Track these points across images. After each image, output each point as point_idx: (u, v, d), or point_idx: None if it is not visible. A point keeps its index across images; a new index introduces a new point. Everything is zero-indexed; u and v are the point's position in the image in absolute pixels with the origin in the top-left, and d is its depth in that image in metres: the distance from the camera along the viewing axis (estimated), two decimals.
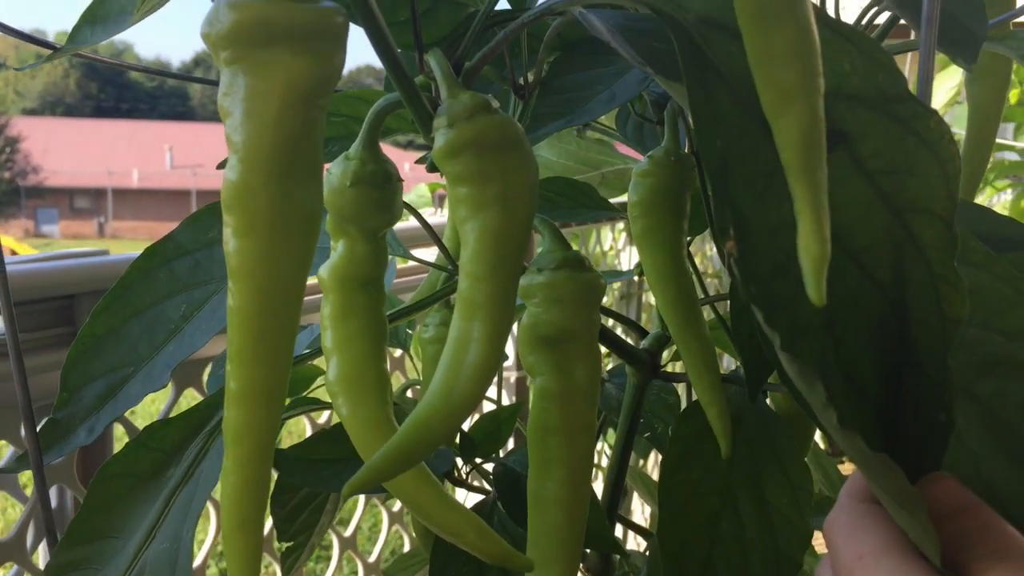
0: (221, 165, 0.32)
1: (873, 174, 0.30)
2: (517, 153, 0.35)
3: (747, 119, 0.28)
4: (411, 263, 0.81)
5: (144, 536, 0.40)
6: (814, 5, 0.28)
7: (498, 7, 0.48)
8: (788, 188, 0.26)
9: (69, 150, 29.73)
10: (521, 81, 0.49)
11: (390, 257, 0.73)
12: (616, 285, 1.77)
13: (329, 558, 1.08)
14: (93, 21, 0.55)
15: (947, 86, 1.10)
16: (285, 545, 0.72)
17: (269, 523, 0.81)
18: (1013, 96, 1.37)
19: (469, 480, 0.65)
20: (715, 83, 0.28)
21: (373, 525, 2.61)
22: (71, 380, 0.46)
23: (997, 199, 1.68)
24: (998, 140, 1.56)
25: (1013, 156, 1.55)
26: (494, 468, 0.57)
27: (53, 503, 0.74)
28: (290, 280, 0.30)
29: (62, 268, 0.70)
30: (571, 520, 0.42)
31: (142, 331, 0.47)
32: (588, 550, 0.63)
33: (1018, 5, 0.60)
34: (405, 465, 0.32)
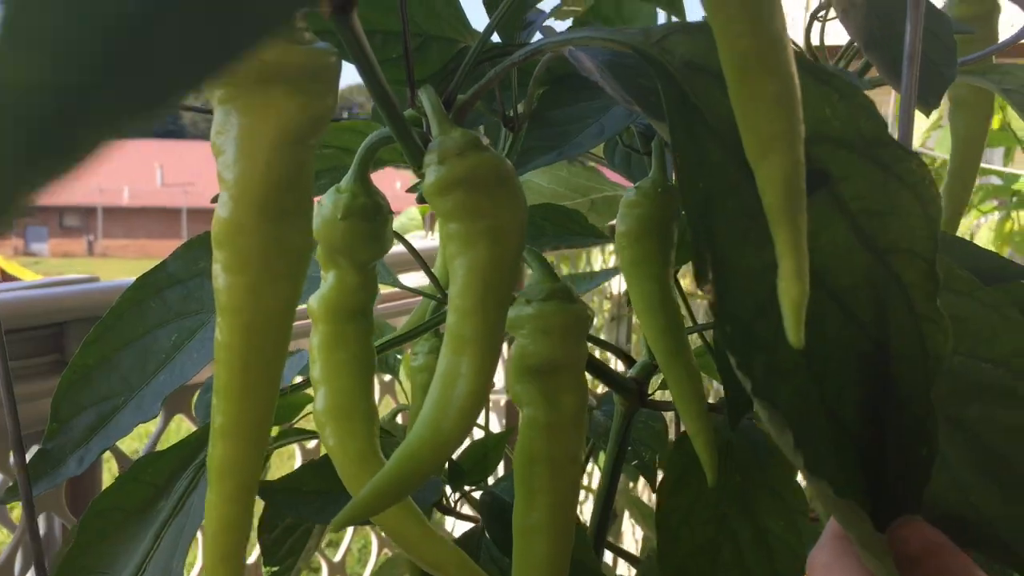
0: (215, 200, 0.32)
1: (856, 215, 0.30)
2: (507, 190, 0.35)
3: (731, 163, 0.29)
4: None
5: (135, 571, 0.40)
6: (797, 52, 0.28)
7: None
8: (770, 232, 0.26)
9: None
10: (511, 114, 0.49)
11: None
12: (606, 307, 1.77)
13: None
14: None
15: None
16: (271, 569, 0.72)
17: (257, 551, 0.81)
18: (996, 122, 1.38)
19: (458, 508, 0.65)
20: (699, 127, 0.29)
21: (363, 547, 2.59)
22: (61, 411, 0.46)
23: (983, 221, 1.70)
24: (983, 164, 1.58)
25: (998, 180, 1.56)
26: (481, 496, 0.57)
27: (41, 531, 0.74)
28: (277, 317, 0.30)
29: (52, 296, 0.70)
30: (556, 550, 0.42)
31: (134, 361, 0.47)
32: None
33: (1000, 39, 0.61)
34: (394, 499, 0.33)
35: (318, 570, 1.09)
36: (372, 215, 0.40)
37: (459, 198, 0.34)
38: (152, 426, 0.86)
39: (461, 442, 0.35)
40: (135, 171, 29.91)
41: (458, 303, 0.35)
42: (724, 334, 0.27)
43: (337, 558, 1.08)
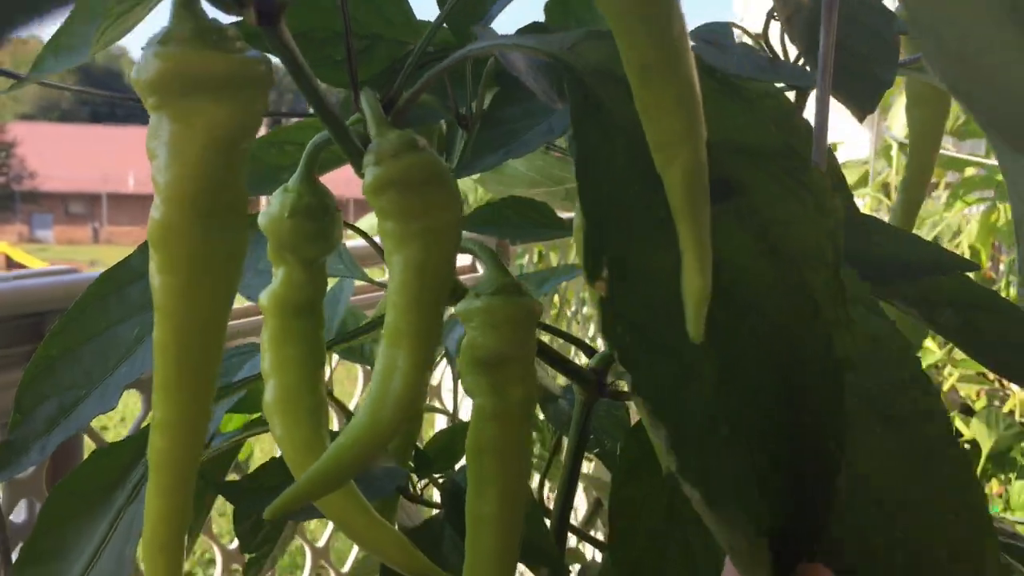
0: None
1: (762, 225, 0.31)
2: (441, 190, 0.36)
3: (638, 167, 0.30)
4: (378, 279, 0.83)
5: (90, 557, 0.41)
6: (702, 63, 0.30)
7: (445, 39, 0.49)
8: (674, 238, 0.27)
9: (64, 155, 29.71)
10: (464, 111, 0.50)
11: (344, 279, 0.75)
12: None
13: (302, 566, 1.10)
14: (56, 52, 0.56)
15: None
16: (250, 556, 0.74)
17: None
18: None
19: (425, 495, 0.66)
20: (609, 129, 0.30)
21: None
22: (25, 402, 0.47)
23: (970, 212, 1.70)
24: (969, 156, 1.58)
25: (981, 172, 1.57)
26: (443, 484, 0.59)
27: (23, 516, 0.75)
28: (210, 317, 0.32)
29: (32, 286, 0.72)
30: (504, 539, 0.44)
31: (96, 354, 0.49)
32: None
33: None
34: (329, 487, 0.34)
35: (302, 554, 1.11)
36: (318, 214, 0.41)
37: (393, 198, 0.36)
38: (137, 411, 0.87)
39: (397, 432, 0.36)
40: (139, 158, 29.89)
41: (394, 300, 0.36)
42: (614, 334, 0.28)
43: (321, 543, 1.09)
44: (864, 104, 0.44)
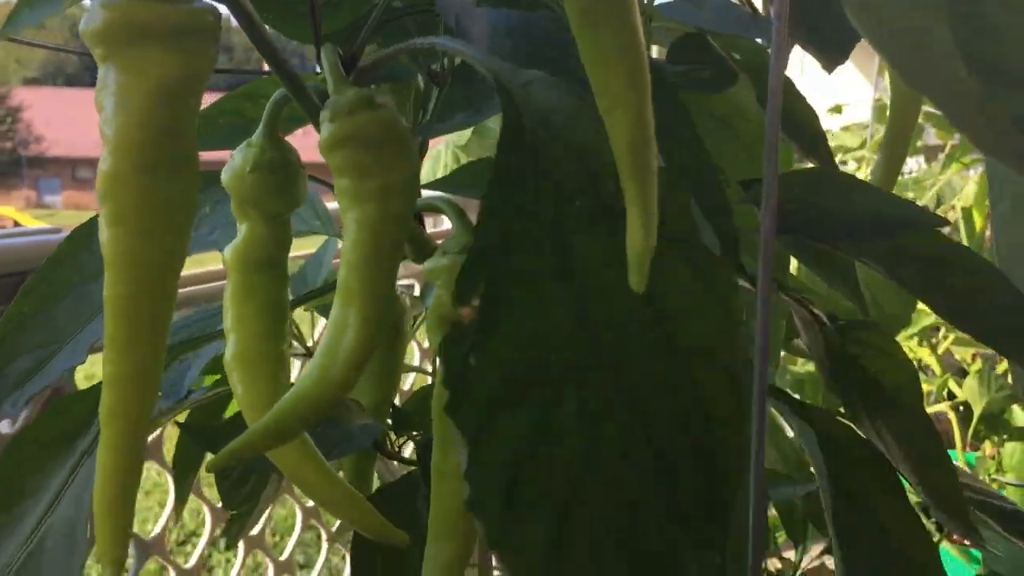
0: None
1: (662, 315, 0.30)
2: (396, 149, 0.36)
3: (548, 216, 0.29)
4: None
5: (50, 502, 0.42)
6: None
7: None
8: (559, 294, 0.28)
9: (71, 120, 29.63)
10: (436, 68, 0.50)
11: (329, 240, 0.74)
12: None
13: (293, 526, 1.11)
14: (31, 4, 0.56)
15: None
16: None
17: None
18: None
19: (403, 453, 0.67)
20: (529, 170, 0.30)
21: None
22: None
23: (969, 175, 1.69)
24: None
25: None
26: (419, 441, 0.59)
27: None
28: (159, 269, 0.32)
29: (13, 246, 0.72)
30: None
31: (69, 309, 0.49)
32: None
33: None
34: (278, 439, 0.34)
35: (292, 516, 1.12)
36: (280, 169, 0.41)
37: (347, 155, 0.35)
38: None
39: (348, 388, 0.36)
40: None
41: (348, 257, 0.36)
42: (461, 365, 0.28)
43: (311, 503, 1.10)
44: (833, 55, 0.43)
